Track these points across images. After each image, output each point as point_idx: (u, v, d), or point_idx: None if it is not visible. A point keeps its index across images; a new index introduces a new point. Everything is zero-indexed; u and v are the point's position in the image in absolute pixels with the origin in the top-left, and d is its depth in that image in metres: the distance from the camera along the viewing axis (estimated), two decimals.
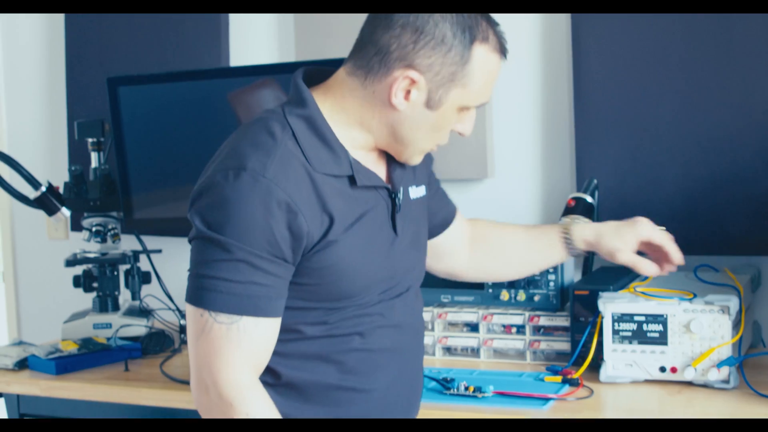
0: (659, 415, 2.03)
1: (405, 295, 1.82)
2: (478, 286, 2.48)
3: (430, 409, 2.09)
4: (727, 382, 2.14)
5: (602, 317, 2.23)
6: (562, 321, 2.40)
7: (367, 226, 1.72)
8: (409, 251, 1.82)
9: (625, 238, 2.03)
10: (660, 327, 2.18)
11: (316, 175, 1.66)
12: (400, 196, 1.78)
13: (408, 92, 1.67)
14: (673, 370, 2.18)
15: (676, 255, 2.03)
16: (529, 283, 2.44)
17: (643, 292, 2.23)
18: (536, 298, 2.43)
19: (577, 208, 2.36)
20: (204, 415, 1.68)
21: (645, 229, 2.04)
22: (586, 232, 2.06)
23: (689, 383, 2.18)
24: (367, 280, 1.73)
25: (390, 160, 1.80)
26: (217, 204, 1.62)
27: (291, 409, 1.74)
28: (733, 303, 2.12)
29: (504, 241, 2.12)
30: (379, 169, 1.78)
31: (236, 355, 1.64)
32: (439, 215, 2.03)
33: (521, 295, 2.45)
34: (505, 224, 2.16)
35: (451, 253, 2.11)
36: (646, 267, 2.03)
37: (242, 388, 1.64)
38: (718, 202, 2.50)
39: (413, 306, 1.86)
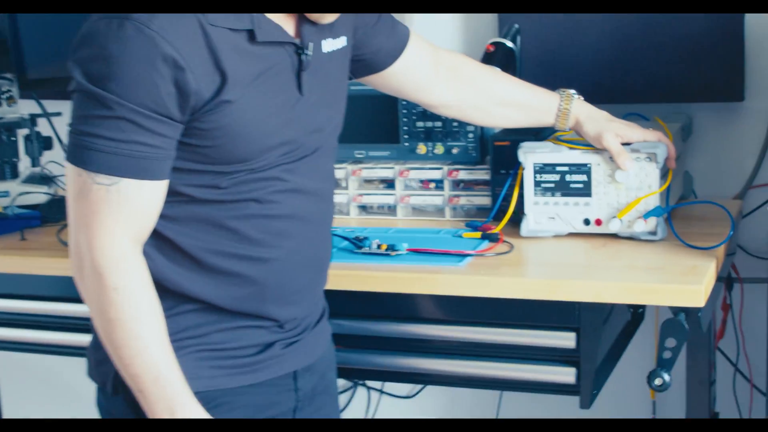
0: (584, 265, 1.91)
1: (310, 158, 1.67)
2: (394, 139, 2.33)
3: (341, 269, 1.95)
4: (654, 233, 2.02)
5: (523, 169, 2.09)
6: (482, 174, 2.27)
7: (267, 86, 1.57)
8: (318, 110, 1.66)
9: (613, 125, 2.01)
10: (584, 177, 2.05)
11: (210, 28, 1.49)
12: (309, 52, 1.61)
13: None
14: (598, 222, 2.06)
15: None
16: (446, 134, 2.29)
17: (566, 141, 2.09)
18: (455, 151, 2.29)
19: (496, 54, 2.21)
20: (79, 287, 1.54)
21: (630, 133, 2.03)
22: (582, 109, 2.04)
23: (614, 236, 2.06)
24: (263, 144, 1.58)
25: None
26: (98, 55, 1.46)
27: (182, 278, 1.60)
28: (661, 150, 1.99)
29: (497, 89, 2.06)
30: (287, 22, 1.61)
31: (115, 220, 1.50)
32: (385, 47, 1.90)
33: (439, 148, 2.30)
34: (502, 74, 2.10)
35: (419, 85, 1.99)
36: (627, 159, 1.99)
37: (116, 258, 1.50)
38: (648, 45, 2.36)
39: (321, 168, 1.71)
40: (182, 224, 1.59)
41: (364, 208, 2.39)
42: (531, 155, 2.07)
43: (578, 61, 2.39)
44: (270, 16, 1.57)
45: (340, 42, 1.73)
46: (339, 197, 2.36)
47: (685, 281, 1.78)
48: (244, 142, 1.55)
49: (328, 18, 1.63)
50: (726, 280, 2.34)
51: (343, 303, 1.97)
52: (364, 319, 2.03)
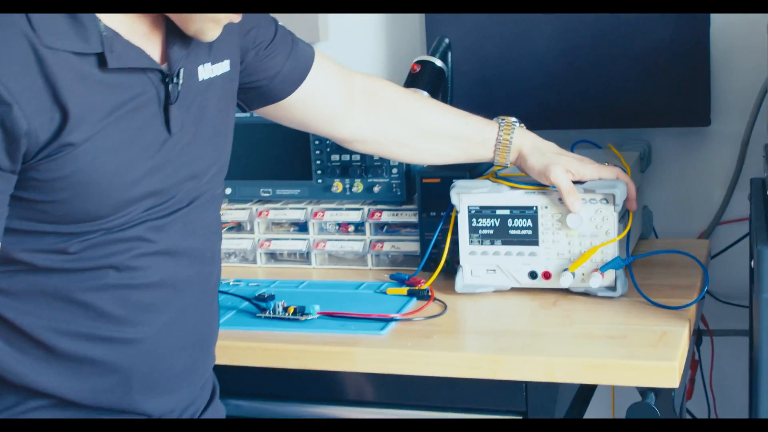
0: (531, 333, 1.57)
1: (185, 211, 1.34)
2: (305, 175, 1.98)
3: (238, 339, 1.62)
4: (613, 288, 1.70)
5: (456, 212, 1.75)
6: (409, 216, 1.93)
7: (125, 124, 1.25)
8: (193, 152, 1.33)
9: (562, 159, 1.70)
10: (528, 222, 1.72)
11: (46, 51, 1.16)
12: (179, 80, 1.28)
13: None
14: (546, 275, 1.72)
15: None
16: (366, 170, 1.94)
17: (506, 179, 1.75)
18: (376, 189, 1.94)
19: (423, 74, 1.87)
20: None
21: (583, 169, 1.70)
22: (525, 140, 1.73)
23: (567, 291, 1.73)
24: (121, 197, 1.25)
25: (171, 29, 1.29)
26: None
27: (25, 368, 1.27)
28: (619, 190, 1.67)
29: (424, 119, 1.73)
30: (151, 44, 1.27)
31: None
32: (284, 71, 1.56)
33: (358, 186, 1.96)
34: (429, 100, 1.79)
35: (328, 117, 1.66)
36: (577, 200, 1.67)
37: None
38: (601, 60, 2.03)
39: (199, 222, 1.38)
40: (22, 300, 1.26)
41: (273, 256, 2.03)
42: (465, 196, 1.74)
43: (520, 80, 2.06)
44: (129, 35, 1.24)
45: (222, 67, 1.39)
46: (244, 242, 2.01)
47: (654, 355, 1.46)
48: (95, 195, 1.23)
49: (211, 34, 1.29)
50: (695, 334, 2.01)
51: (242, 380, 1.64)
52: (266, 400, 1.68)
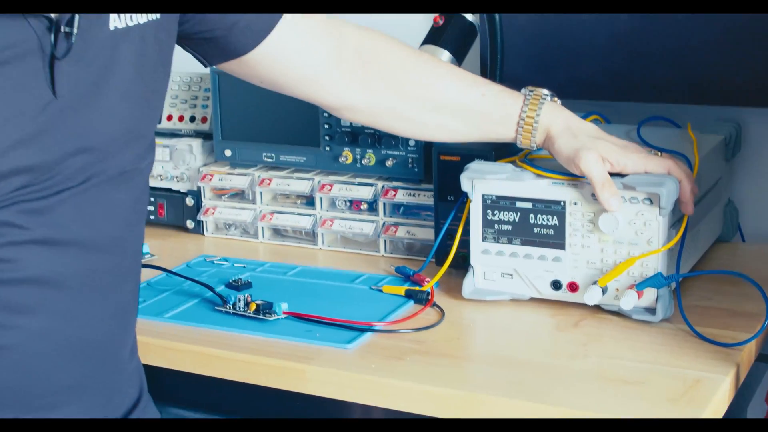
0: (532, 361, 1.24)
1: (77, 191, 1.07)
2: (313, 141, 1.68)
3: (179, 339, 1.34)
4: (652, 311, 1.34)
5: (470, 201, 1.42)
6: (429, 198, 1.60)
7: None
8: (96, 118, 1.06)
9: (600, 144, 1.34)
10: (554, 221, 1.38)
11: None
12: (72, 29, 1.00)
13: None
14: (573, 287, 1.39)
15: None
16: (378, 139, 1.62)
17: (533, 164, 1.41)
18: (389, 163, 1.62)
19: (446, 29, 1.53)
20: None
21: (624, 159, 1.34)
22: (556, 118, 1.38)
23: (597, 308, 1.38)
24: None
25: None
26: None
27: None
28: (667, 190, 1.31)
29: (433, 87, 1.40)
30: None
31: None
32: (243, 20, 1.26)
33: (369, 158, 1.64)
34: (442, 65, 1.43)
35: (306, 78, 1.36)
36: (613, 196, 1.32)
37: None
38: (683, 20, 1.64)
39: (100, 206, 1.10)
40: None
41: (278, 232, 1.74)
42: (480, 182, 1.41)
43: (581, 40, 1.70)
44: None
45: (148, 14, 1.10)
46: (244, 213, 1.73)
47: (671, 413, 1.11)
48: None
49: None
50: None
51: (186, 387, 1.37)
52: (208, 412, 1.41)
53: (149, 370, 1.29)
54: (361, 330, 1.34)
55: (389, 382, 1.21)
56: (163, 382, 1.37)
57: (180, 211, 1.79)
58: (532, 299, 1.43)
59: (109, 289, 1.13)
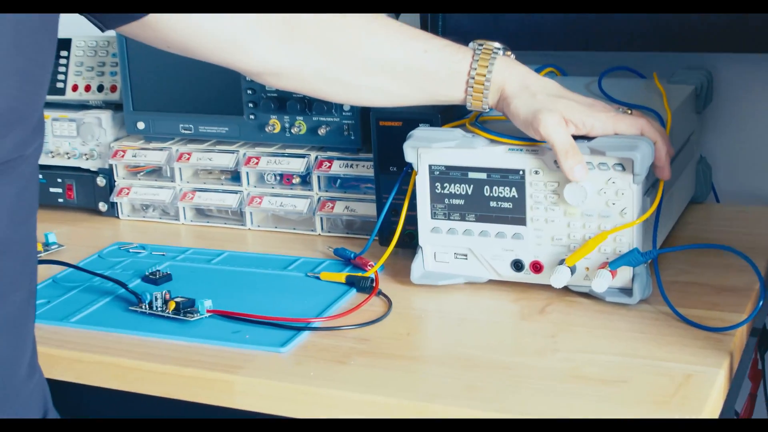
0: (492, 360, 1.08)
1: None
2: (234, 109, 1.49)
3: (85, 348, 1.15)
4: (628, 293, 1.18)
5: (415, 173, 1.24)
6: (369, 169, 1.42)
7: None
8: None
9: (561, 103, 1.17)
10: (513, 192, 1.20)
11: None
12: None
13: None
14: (536, 267, 1.22)
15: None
16: (308, 105, 1.43)
17: (485, 129, 1.23)
18: (322, 131, 1.44)
19: None
20: None
21: (591, 119, 1.16)
22: (511, 75, 1.19)
23: (565, 290, 1.22)
24: None
25: None
26: None
27: None
28: (642, 153, 1.14)
29: (367, 45, 1.20)
30: None
31: None
32: None
33: (300, 126, 1.45)
34: (378, 18, 1.22)
35: (219, 40, 1.16)
36: (577, 162, 1.14)
37: None
38: None
39: None
40: None
41: (201, 212, 1.56)
42: (426, 152, 1.23)
43: None
44: None
45: None
46: (162, 193, 1.54)
47: (664, 411, 0.95)
48: None
49: None
50: (759, 335, 1.48)
51: (100, 401, 1.18)
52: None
53: (58, 385, 1.11)
54: (297, 329, 1.16)
55: (330, 393, 1.04)
56: (80, 398, 1.19)
57: (91, 192, 1.60)
58: (490, 281, 1.26)
59: None
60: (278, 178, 1.48)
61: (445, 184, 1.23)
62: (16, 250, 0.98)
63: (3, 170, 0.93)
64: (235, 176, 1.51)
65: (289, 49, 1.17)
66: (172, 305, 1.21)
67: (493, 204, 1.21)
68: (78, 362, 1.15)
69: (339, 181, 1.45)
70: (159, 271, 1.32)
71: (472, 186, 1.22)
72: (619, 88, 1.39)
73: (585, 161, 1.14)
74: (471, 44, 1.21)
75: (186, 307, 1.21)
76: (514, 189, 1.20)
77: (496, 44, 1.20)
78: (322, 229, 1.46)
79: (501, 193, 1.21)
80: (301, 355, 1.11)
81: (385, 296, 1.24)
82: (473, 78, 1.19)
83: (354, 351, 1.11)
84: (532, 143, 1.19)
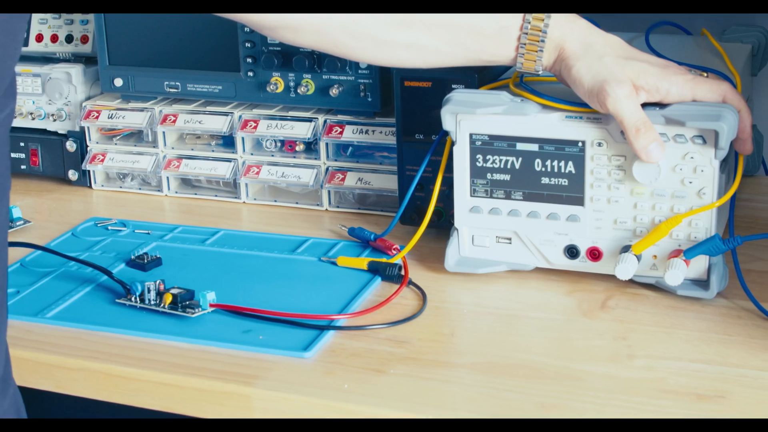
0: (547, 366, 0.91)
1: None
2: (230, 65, 1.29)
3: (66, 352, 0.96)
4: (704, 285, 1.01)
5: (452, 143, 1.06)
6: (386, 136, 1.24)
7: None
8: None
9: (632, 67, 0.99)
10: (570, 167, 1.03)
11: None
12: None
13: None
14: (595, 254, 1.05)
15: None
16: (318, 61, 1.24)
17: (535, 91, 1.05)
18: (334, 91, 1.25)
19: None
20: None
21: (667, 83, 0.98)
22: (570, 32, 1.01)
23: (630, 283, 1.05)
24: None
25: None
26: None
27: None
28: (728, 123, 0.97)
29: None
30: None
31: None
32: None
33: (308, 85, 1.26)
34: None
35: None
36: (652, 141, 0.95)
37: None
38: None
39: None
40: None
41: (188, 182, 1.37)
42: (467, 119, 1.04)
43: None
44: None
45: None
46: (142, 160, 1.34)
47: None
48: None
49: None
50: None
51: (86, 411, 1.00)
52: None
53: (35, 395, 0.92)
54: (320, 328, 0.98)
55: (374, 413, 0.86)
56: (63, 404, 1.01)
57: (59, 158, 1.40)
58: (537, 269, 1.09)
59: None
60: (279, 144, 1.29)
61: (488, 157, 1.05)
62: None
63: None
64: (228, 141, 1.32)
65: None
66: (168, 298, 1.02)
67: (545, 180, 1.04)
68: (58, 368, 0.97)
69: (351, 149, 1.26)
70: (146, 254, 1.14)
71: (520, 159, 1.04)
72: (666, 45, 1.22)
73: (661, 141, 0.97)
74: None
75: (185, 301, 1.02)
76: (571, 163, 1.03)
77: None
78: (329, 203, 1.28)
79: (555, 167, 1.03)
80: (328, 361, 0.93)
81: (417, 287, 1.06)
82: (526, 33, 1.01)
83: (392, 357, 0.94)
84: (591, 110, 1.01)
